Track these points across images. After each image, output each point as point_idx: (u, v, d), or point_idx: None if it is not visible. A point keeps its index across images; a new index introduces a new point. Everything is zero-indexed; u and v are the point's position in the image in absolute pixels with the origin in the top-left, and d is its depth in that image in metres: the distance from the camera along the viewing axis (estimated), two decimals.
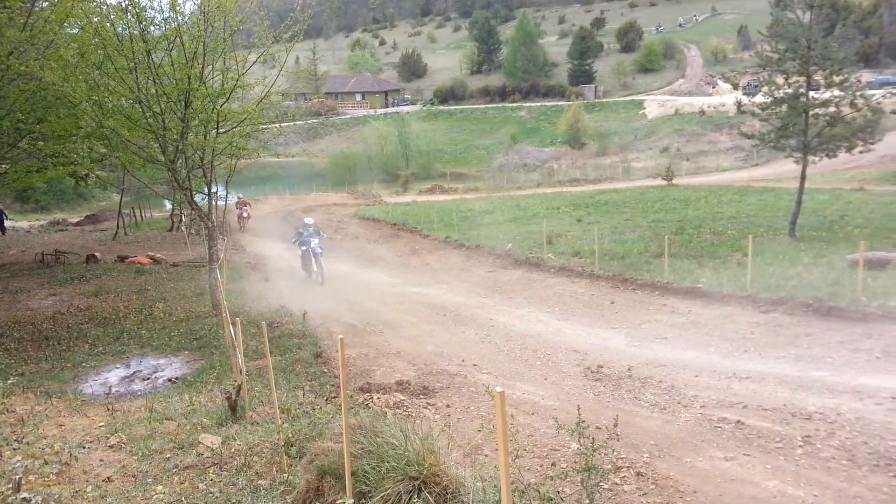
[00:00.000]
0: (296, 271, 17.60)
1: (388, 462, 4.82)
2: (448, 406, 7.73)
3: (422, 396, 8.09)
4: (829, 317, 10.21)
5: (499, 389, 2.98)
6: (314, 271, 16.50)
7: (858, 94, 16.96)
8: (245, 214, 28.92)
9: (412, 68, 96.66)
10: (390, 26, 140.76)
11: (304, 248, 16.69)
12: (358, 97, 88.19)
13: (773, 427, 6.49)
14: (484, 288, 15.03)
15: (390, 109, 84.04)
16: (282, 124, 19.02)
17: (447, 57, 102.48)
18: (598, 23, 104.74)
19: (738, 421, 6.67)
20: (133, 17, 12.40)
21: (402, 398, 7.94)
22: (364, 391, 8.22)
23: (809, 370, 8.17)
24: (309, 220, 17.79)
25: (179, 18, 12.83)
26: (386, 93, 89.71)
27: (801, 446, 6.06)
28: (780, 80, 17.66)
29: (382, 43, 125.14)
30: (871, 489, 5.27)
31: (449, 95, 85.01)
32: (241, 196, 31.62)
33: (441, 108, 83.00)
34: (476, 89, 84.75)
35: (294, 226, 28.06)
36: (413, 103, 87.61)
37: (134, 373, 10.87)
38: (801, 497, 5.19)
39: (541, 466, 5.93)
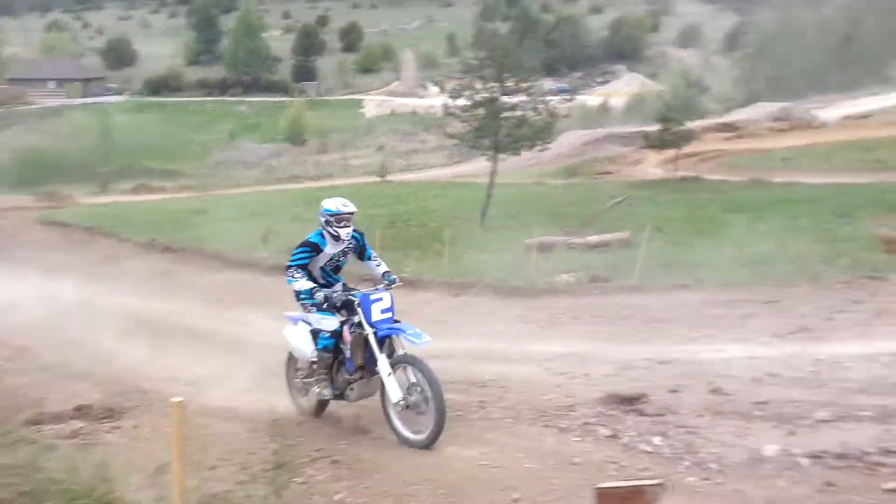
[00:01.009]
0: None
1: (48, 502, 4.43)
2: (136, 427, 7.04)
3: (105, 420, 7.25)
4: (509, 295, 11.64)
5: (177, 399, 2.80)
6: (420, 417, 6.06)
7: (540, 99, 19.67)
8: None
9: (120, 55, 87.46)
10: (96, 8, 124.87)
11: (345, 328, 6.59)
12: (52, 85, 77.45)
13: (455, 398, 7.07)
14: (192, 292, 14.13)
15: (91, 99, 74.96)
16: None
17: (162, 45, 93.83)
18: (322, 20, 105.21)
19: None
20: None
21: (82, 425, 7.06)
22: (33, 423, 7.13)
23: (490, 343, 9.19)
24: (338, 203, 6.47)
25: None
26: (88, 81, 79.95)
27: (476, 411, 6.73)
28: (478, 85, 19.67)
29: (86, 26, 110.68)
30: (529, 439, 6.08)
31: (162, 86, 79.02)
32: None
33: (152, 99, 76.44)
34: (193, 81, 79.95)
35: None
36: (120, 93, 79.49)
37: None
38: (474, 457, 5.75)
39: (238, 473, 5.75)
